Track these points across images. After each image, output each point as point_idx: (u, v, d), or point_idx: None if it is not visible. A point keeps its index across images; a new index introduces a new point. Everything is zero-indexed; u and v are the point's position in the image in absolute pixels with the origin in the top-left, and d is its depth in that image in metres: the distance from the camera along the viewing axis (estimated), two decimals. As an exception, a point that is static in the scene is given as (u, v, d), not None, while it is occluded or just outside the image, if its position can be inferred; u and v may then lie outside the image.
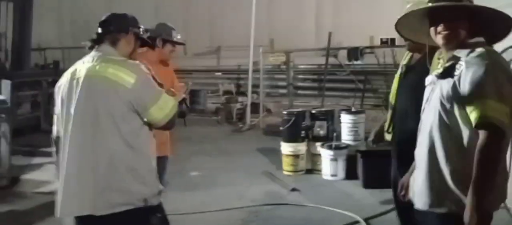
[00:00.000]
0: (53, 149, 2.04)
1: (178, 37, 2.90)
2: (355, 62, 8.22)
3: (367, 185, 4.50)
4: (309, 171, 5.15)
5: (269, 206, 4.11)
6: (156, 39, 2.75)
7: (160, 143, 2.26)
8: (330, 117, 5.34)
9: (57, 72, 7.82)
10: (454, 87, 1.57)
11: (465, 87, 1.54)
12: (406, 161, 1.91)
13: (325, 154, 4.93)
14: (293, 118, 5.19)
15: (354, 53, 7.94)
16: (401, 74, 2.45)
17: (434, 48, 1.77)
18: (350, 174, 4.82)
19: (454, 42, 1.63)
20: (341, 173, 4.88)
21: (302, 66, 10.02)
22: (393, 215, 2.69)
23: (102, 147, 1.88)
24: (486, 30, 1.65)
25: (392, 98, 2.48)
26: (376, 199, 4.13)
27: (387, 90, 2.44)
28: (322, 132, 5.21)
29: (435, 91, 1.65)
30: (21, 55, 7.57)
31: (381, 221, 3.65)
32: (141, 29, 2.08)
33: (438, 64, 1.71)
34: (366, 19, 9.06)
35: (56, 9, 12.61)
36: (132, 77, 1.87)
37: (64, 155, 1.92)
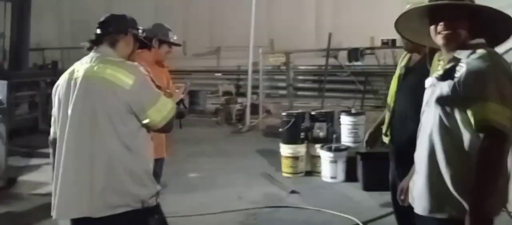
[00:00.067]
0: (50, 150, 2.03)
1: (175, 38, 2.88)
2: (355, 63, 8.19)
3: (367, 187, 4.47)
4: (309, 173, 5.12)
5: (268, 208, 4.08)
6: (152, 40, 2.73)
7: (156, 144, 2.24)
8: (330, 119, 5.31)
9: (55, 72, 7.81)
10: (455, 89, 1.54)
11: (465, 90, 1.51)
12: (406, 164, 1.88)
13: (325, 156, 4.90)
14: (293, 120, 5.17)
15: (354, 54, 7.92)
16: (400, 75, 2.41)
17: (434, 50, 1.74)
18: (350, 176, 4.79)
19: (454, 42, 1.59)
20: (341, 175, 4.85)
21: (302, 67, 10.00)
22: (393, 218, 2.65)
23: (100, 148, 1.87)
24: (487, 31, 1.62)
25: (390, 100, 2.44)
26: (376, 201, 4.09)
27: (387, 92, 2.42)
28: (321, 134, 5.18)
29: (435, 93, 1.62)
30: (19, 55, 7.56)
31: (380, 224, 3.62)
32: (140, 31, 2.07)
33: (438, 66, 1.68)
34: (367, 20, 9.04)
35: (55, 9, 12.61)
36: (130, 79, 1.87)
37: (60, 156, 1.90)
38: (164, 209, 2.09)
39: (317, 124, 5.21)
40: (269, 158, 5.72)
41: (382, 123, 2.61)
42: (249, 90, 8.24)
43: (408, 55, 2.42)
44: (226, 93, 9.66)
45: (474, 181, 1.48)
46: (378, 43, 8.49)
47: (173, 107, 1.99)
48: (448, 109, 1.56)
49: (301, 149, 5.12)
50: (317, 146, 5.05)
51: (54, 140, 1.98)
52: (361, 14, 9.31)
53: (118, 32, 1.99)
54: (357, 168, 4.72)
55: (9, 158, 5.02)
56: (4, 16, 7.53)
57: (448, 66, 1.59)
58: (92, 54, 1.98)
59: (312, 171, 5.12)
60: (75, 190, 1.88)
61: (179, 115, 2.54)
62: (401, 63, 2.47)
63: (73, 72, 1.95)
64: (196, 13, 11.33)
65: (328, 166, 4.86)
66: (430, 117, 1.62)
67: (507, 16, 1.58)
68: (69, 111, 1.90)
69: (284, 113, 5.49)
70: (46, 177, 4.73)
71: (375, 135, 2.63)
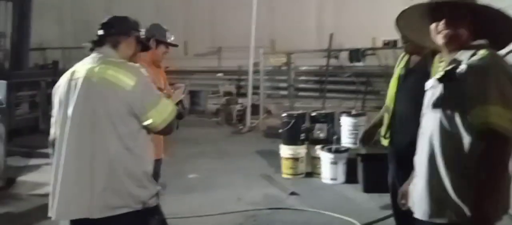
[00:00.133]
0: (50, 150, 2.03)
1: (172, 38, 2.86)
2: (357, 64, 8.16)
3: (367, 189, 4.44)
4: (309, 175, 5.10)
5: (268, 210, 4.06)
6: (150, 40, 2.71)
7: (154, 145, 2.21)
8: (330, 120, 5.28)
9: (56, 72, 7.81)
10: (456, 92, 1.51)
11: (467, 92, 1.48)
12: (406, 167, 1.86)
13: (325, 157, 4.87)
14: (293, 121, 5.15)
15: (356, 54, 7.89)
16: (400, 77, 2.38)
17: (434, 51, 1.71)
18: (350, 178, 4.76)
19: (455, 42, 1.56)
20: (341, 177, 4.82)
21: (303, 68, 9.97)
22: (393, 221, 2.63)
23: (100, 149, 1.87)
24: (490, 32, 1.58)
25: (390, 102, 2.41)
26: (376, 203, 4.07)
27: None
28: (322, 135, 5.15)
29: (435, 95, 1.59)
30: (20, 55, 7.56)
31: (380, 227, 3.60)
32: (142, 33, 2.09)
33: (439, 67, 1.65)
34: (368, 20, 9.00)
35: (57, 8, 12.62)
36: (132, 80, 1.88)
37: (60, 157, 1.90)
38: (163, 210, 2.09)
39: (317, 125, 5.19)
40: (269, 159, 5.70)
41: (378, 122, 2.60)
42: (250, 91, 8.22)
43: (407, 56, 2.39)
44: (227, 93, 9.64)
45: (475, 185, 1.46)
46: (379, 44, 8.46)
47: (173, 109, 2.00)
48: (448, 112, 1.53)
49: (301, 150, 5.09)
50: (317, 147, 5.03)
51: (55, 140, 1.98)
52: (363, 14, 9.27)
53: (120, 34, 2.00)
54: (357, 170, 4.69)
55: (9, 158, 5.02)
56: (6, 15, 7.53)
57: (449, 67, 1.56)
58: (93, 55, 1.98)
59: (312, 173, 5.10)
60: (75, 190, 1.88)
61: (178, 116, 2.52)
62: (400, 64, 2.44)
63: (74, 72, 1.96)
64: (197, 13, 11.32)
65: (328, 167, 4.84)
66: (430, 120, 1.60)
67: (509, 17, 1.55)
68: (70, 112, 1.90)
69: (284, 114, 5.47)
70: (45, 178, 4.68)
71: (370, 134, 2.63)
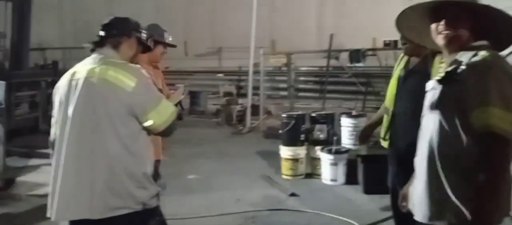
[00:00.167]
0: (50, 151, 2.03)
1: (170, 38, 2.85)
2: (357, 64, 8.14)
3: (368, 190, 4.42)
4: (309, 176, 5.07)
5: (267, 211, 4.04)
6: (148, 40, 2.70)
7: (153, 146, 2.21)
8: (330, 121, 5.26)
9: (56, 72, 7.80)
10: (456, 93, 1.50)
11: (467, 94, 1.47)
12: (406, 169, 1.84)
13: (325, 158, 4.85)
14: (293, 121, 5.12)
15: (356, 55, 7.88)
16: (399, 78, 2.36)
17: (435, 52, 1.70)
18: (350, 179, 4.74)
19: (455, 43, 1.55)
20: (341, 178, 4.80)
21: (303, 68, 9.97)
22: (393, 223, 2.61)
23: (101, 150, 1.87)
24: (491, 33, 1.57)
25: (389, 103, 2.39)
26: (376, 205, 4.05)
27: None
28: (322, 136, 5.13)
29: (435, 97, 1.57)
30: (20, 55, 7.54)
31: (380, 228, 3.59)
32: (143, 34, 2.08)
33: (439, 69, 1.64)
34: (369, 21, 9.00)
35: (57, 9, 12.63)
36: (132, 81, 1.88)
37: (60, 157, 1.90)
38: (163, 211, 2.08)
39: (317, 126, 5.17)
40: (269, 160, 5.68)
41: (375, 122, 2.59)
42: (250, 91, 8.20)
43: (406, 57, 2.37)
44: (227, 94, 9.63)
45: (475, 188, 1.44)
46: (380, 44, 8.45)
47: (174, 111, 2.00)
48: (448, 113, 1.52)
49: (301, 151, 5.07)
50: (317, 148, 5.00)
51: (55, 140, 1.98)
52: (363, 15, 9.28)
53: (122, 35, 2.00)
54: (357, 171, 4.67)
55: (8, 158, 5.01)
56: (5, 15, 7.52)
57: (449, 69, 1.55)
58: (94, 55, 1.98)
59: (312, 174, 5.07)
60: (75, 191, 1.87)
61: (177, 117, 2.52)
62: (399, 65, 2.42)
63: (74, 73, 1.96)
64: (197, 14, 11.34)
65: (328, 168, 4.82)
66: (430, 122, 1.59)
67: (510, 17, 1.53)
68: (70, 112, 1.90)
69: (284, 115, 5.45)
70: (44, 178, 4.68)
71: (368, 132, 2.62)
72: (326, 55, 8.41)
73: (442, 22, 1.54)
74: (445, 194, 1.52)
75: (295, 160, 5.03)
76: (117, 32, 2.00)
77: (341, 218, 3.75)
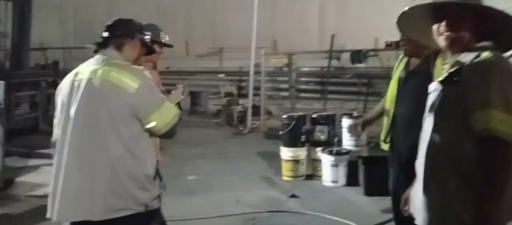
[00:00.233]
0: (52, 151, 2.02)
1: (167, 38, 2.83)
2: (359, 65, 8.11)
3: (369, 192, 4.39)
4: (309, 177, 5.04)
5: (267, 213, 4.02)
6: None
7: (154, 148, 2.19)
8: (331, 122, 5.23)
9: (56, 72, 7.78)
10: (458, 95, 1.47)
11: (469, 96, 1.44)
12: (407, 172, 1.81)
13: (326, 160, 4.82)
14: (293, 122, 5.10)
15: (357, 55, 7.85)
16: (400, 79, 2.33)
17: (437, 52, 1.67)
18: (351, 180, 4.71)
19: (457, 45, 1.52)
20: (342, 180, 4.77)
21: (304, 69, 9.94)
22: (394, 225, 2.59)
23: (102, 151, 1.87)
24: (495, 34, 1.54)
25: (390, 105, 2.35)
26: (377, 207, 4.02)
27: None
28: (322, 137, 5.10)
29: (437, 98, 1.54)
30: (20, 55, 7.53)
31: (381, 231, 3.56)
32: (147, 36, 2.09)
33: (442, 70, 1.61)
34: (370, 21, 8.95)
35: (58, 8, 12.64)
36: (135, 82, 1.88)
37: (62, 158, 1.90)
38: (162, 212, 2.06)
39: (318, 127, 5.14)
40: (269, 161, 5.66)
41: (370, 118, 2.64)
42: (251, 92, 8.18)
43: (406, 58, 2.34)
44: (228, 94, 9.60)
45: (477, 193, 1.41)
46: (382, 45, 8.40)
47: (176, 113, 2.00)
48: (450, 115, 1.49)
49: (302, 152, 5.05)
50: (318, 149, 4.98)
51: (57, 141, 1.98)
52: (365, 15, 9.23)
53: (125, 36, 2.01)
54: (358, 172, 4.65)
55: (7, 158, 5.00)
56: (6, 15, 7.51)
57: (452, 70, 1.52)
58: (97, 56, 1.99)
59: (313, 175, 5.04)
60: (77, 192, 1.87)
61: None
62: (399, 66, 2.39)
63: (77, 73, 1.96)
64: (199, 14, 11.32)
65: (329, 170, 4.79)
66: (431, 124, 1.56)
67: None
68: (72, 113, 1.90)
69: (284, 116, 5.43)
70: (43, 179, 4.69)
71: (367, 123, 2.64)
72: (328, 55, 8.38)
73: (443, 23, 1.52)
74: (446, 198, 1.50)
75: (295, 161, 5.00)
76: (121, 33, 2.01)
77: (341, 220, 3.73)
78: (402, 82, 2.31)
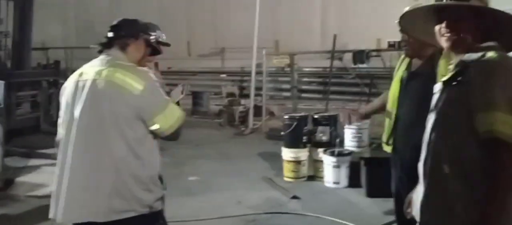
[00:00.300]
0: (56, 151, 2.01)
1: (163, 37, 2.81)
2: (361, 65, 8.07)
3: (371, 193, 4.36)
4: (311, 178, 5.01)
5: (268, 214, 3.99)
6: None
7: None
8: (333, 122, 5.19)
9: (57, 72, 7.77)
10: (461, 95, 1.44)
11: (472, 97, 1.41)
12: (410, 174, 1.78)
13: (328, 161, 4.79)
14: (295, 123, 5.06)
15: (360, 56, 7.81)
16: (402, 80, 2.29)
17: (441, 51, 1.64)
18: (353, 181, 4.67)
19: (460, 46, 1.50)
20: (344, 181, 4.73)
21: (306, 69, 9.92)
22: (396, 228, 2.55)
23: (106, 152, 1.86)
24: (498, 34, 1.51)
25: (392, 106, 2.32)
26: (379, 209, 3.99)
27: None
28: (324, 138, 5.06)
29: (441, 99, 1.52)
30: (21, 54, 7.52)
31: (383, 233, 3.53)
32: (152, 37, 2.07)
33: (446, 70, 1.58)
34: (373, 21, 8.93)
35: (60, 8, 12.65)
36: (140, 84, 1.87)
37: (65, 159, 1.89)
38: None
39: (320, 128, 5.10)
40: (271, 162, 5.63)
41: (374, 109, 2.59)
42: (253, 92, 8.15)
43: (408, 59, 2.31)
44: (230, 94, 9.58)
45: (480, 197, 1.38)
46: (384, 45, 8.37)
47: (181, 115, 1.99)
48: (453, 116, 1.46)
49: (303, 153, 5.01)
50: (320, 150, 4.94)
51: (61, 141, 1.97)
52: (367, 15, 9.21)
53: (129, 36, 2.00)
54: (360, 174, 4.61)
55: (8, 158, 4.98)
56: (7, 14, 7.51)
57: (455, 70, 1.50)
58: (102, 56, 1.98)
59: (315, 176, 5.01)
60: (80, 193, 1.87)
61: None
62: (400, 67, 2.36)
63: (81, 74, 1.95)
64: (200, 14, 11.32)
65: (331, 171, 4.75)
66: (435, 125, 1.53)
67: None
68: (76, 114, 1.89)
69: (286, 116, 5.40)
70: (44, 179, 4.69)
71: (363, 117, 2.62)
72: (330, 55, 8.35)
73: (444, 24, 1.50)
74: (448, 201, 1.47)
75: (297, 162, 4.96)
76: (125, 33, 2.00)
77: (343, 222, 3.70)
78: (404, 83, 2.28)
